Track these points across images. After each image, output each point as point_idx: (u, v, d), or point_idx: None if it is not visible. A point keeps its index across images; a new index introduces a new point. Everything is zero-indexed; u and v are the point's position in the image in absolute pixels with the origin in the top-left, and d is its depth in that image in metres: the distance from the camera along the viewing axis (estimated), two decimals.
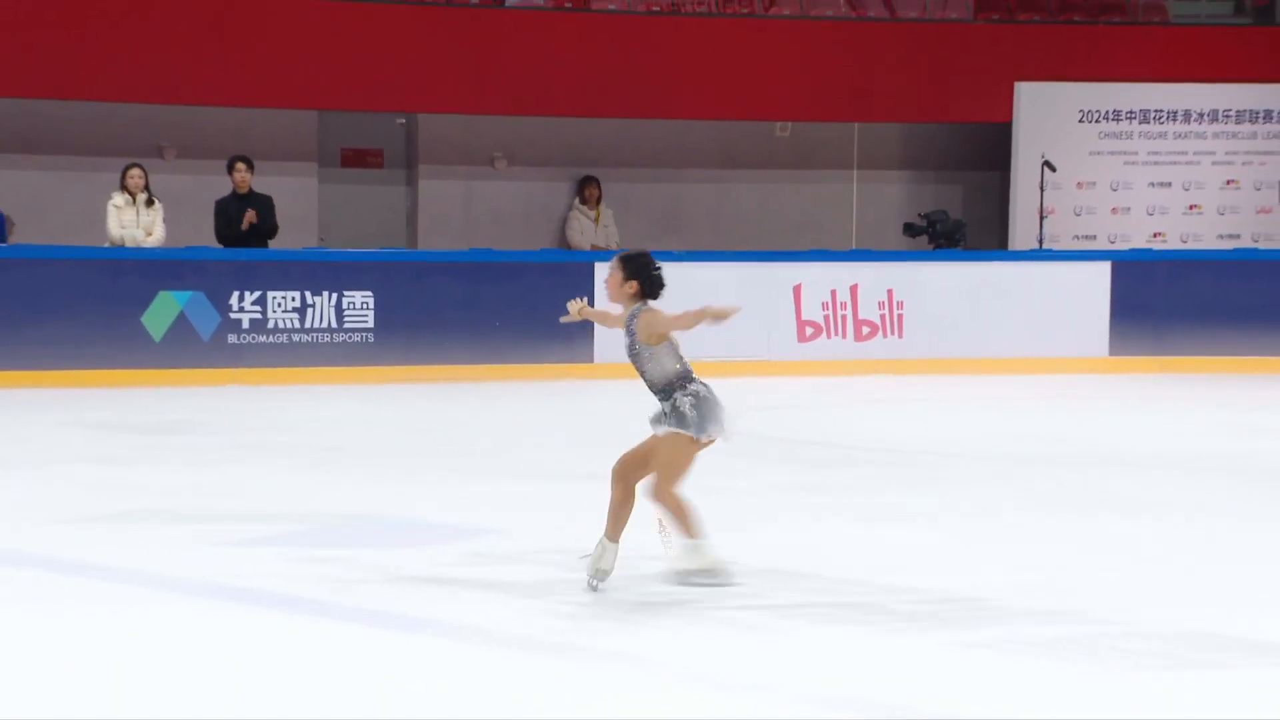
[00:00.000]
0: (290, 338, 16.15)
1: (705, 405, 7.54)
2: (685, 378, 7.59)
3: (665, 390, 7.60)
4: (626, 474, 7.61)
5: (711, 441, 7.60)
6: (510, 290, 16.64)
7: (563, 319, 8.15)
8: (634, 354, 7.65)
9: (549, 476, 10.99)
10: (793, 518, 9.65)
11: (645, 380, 7.67)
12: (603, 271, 16.98)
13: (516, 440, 13.05)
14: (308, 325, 16.20)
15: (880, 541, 8.93)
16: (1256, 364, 17.40)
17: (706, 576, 7.60)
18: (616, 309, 7.76)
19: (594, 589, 7.54)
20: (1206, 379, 16.91)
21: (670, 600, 7.49)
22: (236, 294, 16.02)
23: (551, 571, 7.98)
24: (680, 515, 7.61)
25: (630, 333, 7.64)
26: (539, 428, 13.86)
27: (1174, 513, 9.92)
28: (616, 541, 7.60)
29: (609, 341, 16.72)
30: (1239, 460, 12.09)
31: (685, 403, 7.52)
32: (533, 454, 12.23)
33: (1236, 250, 19.25)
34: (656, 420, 7.62)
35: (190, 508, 9.64)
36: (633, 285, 7.61)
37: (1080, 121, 20.01)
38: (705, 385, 7.62)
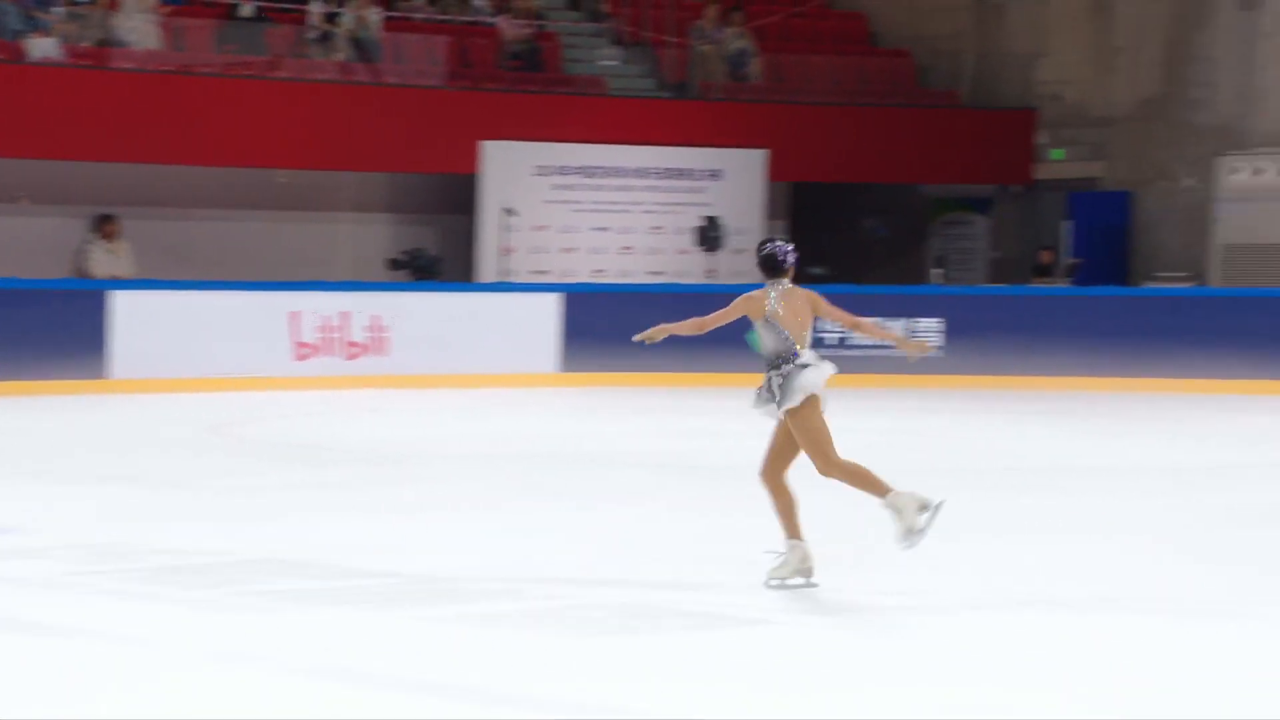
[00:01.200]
0: None
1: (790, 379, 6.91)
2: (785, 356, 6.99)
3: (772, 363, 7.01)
4: (772, 475, 6.98)
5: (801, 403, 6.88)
6: (31, 314, 15.83)
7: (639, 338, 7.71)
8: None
9: (72, 480, 10.33)
10: (301, 514, 9.29)
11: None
12: (118, 299, 16.41)
13: (36, 448, 12.24)
14: None
15: (370, 530, 8.67)
16: (687, 379, 17.68)
17: (919, 520, 6.80)
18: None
19: (812, 584, 6.92)
20: (648, 392, 17.18)
21: (181, 586, 7.06)
22: None
23: (71, 564, 7.45)
24: (859, 480, 6.92)
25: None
26: (60, 436, 13.06)
27: (625, 502, 9.97)
28: (800, 538, 6.93)
29: (124, 357, 15.96)
30: (676, 457, 12.32)
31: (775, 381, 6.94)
32: (55, 460, 11.50)
33: (662, 284, 19.77)
34: (760, 401, 6.99)
35: None
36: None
37: (536, 175, 20.20)
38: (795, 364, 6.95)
